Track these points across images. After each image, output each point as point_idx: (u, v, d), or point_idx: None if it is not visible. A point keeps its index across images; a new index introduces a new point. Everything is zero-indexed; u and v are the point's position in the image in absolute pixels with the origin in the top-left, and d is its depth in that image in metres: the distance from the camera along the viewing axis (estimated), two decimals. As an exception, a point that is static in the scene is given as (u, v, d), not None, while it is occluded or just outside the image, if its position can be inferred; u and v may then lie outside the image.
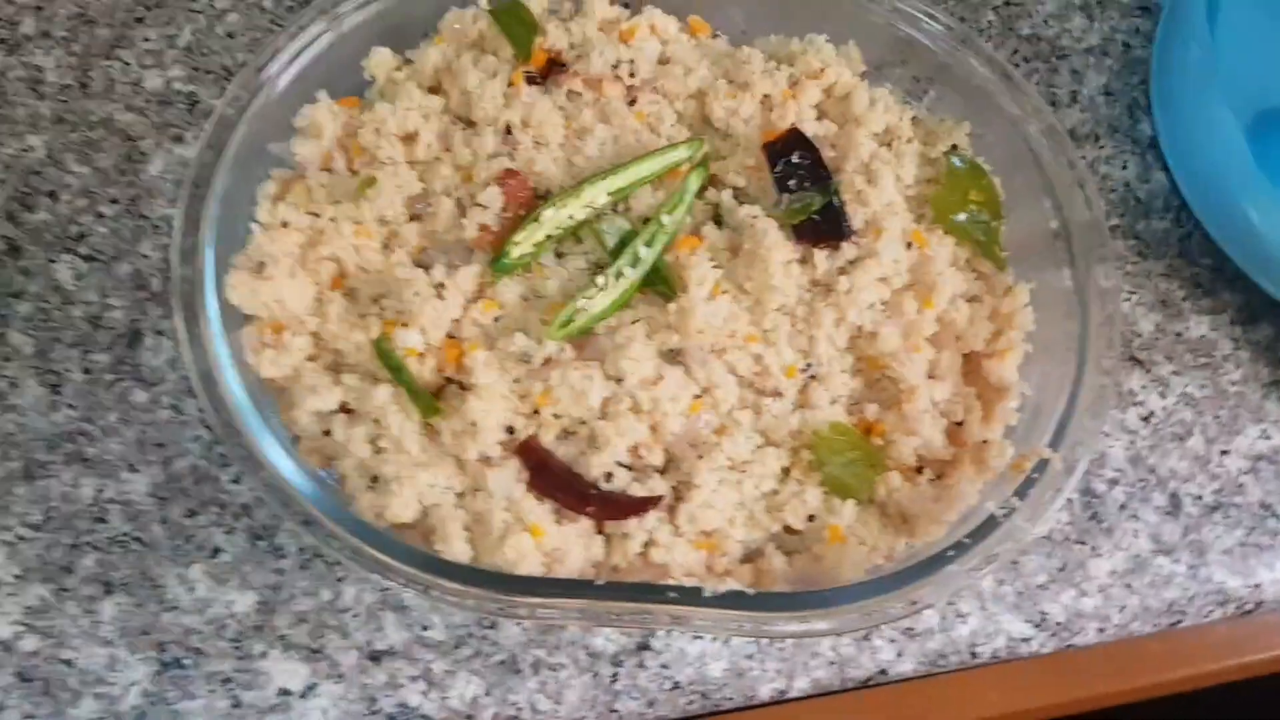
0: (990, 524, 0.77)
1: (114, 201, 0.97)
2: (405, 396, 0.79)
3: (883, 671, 0.87)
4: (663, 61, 0.92)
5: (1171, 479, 0.94)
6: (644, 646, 0.86)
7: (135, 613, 0.85)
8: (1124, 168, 1.05)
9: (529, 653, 0.86)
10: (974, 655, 0.88)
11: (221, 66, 1.02)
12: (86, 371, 0.91)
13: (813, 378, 0.83)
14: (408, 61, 0.91)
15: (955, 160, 0.88)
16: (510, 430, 0.80)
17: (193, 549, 0.87)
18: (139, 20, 1.04)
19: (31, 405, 0.90)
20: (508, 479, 0.78)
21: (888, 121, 0.90)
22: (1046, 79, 1.07)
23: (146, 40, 1.03)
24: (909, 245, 0.85)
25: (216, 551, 0.87)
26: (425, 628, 0.86)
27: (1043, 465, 0.78)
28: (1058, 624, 0.89)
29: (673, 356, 0.83)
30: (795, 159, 0.85)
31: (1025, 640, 0.89)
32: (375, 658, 0.85)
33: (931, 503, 0.80)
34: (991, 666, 0.91)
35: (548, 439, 0.80)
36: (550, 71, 0.90)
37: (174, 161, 0.98)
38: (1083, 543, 0.92)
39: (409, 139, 0.88)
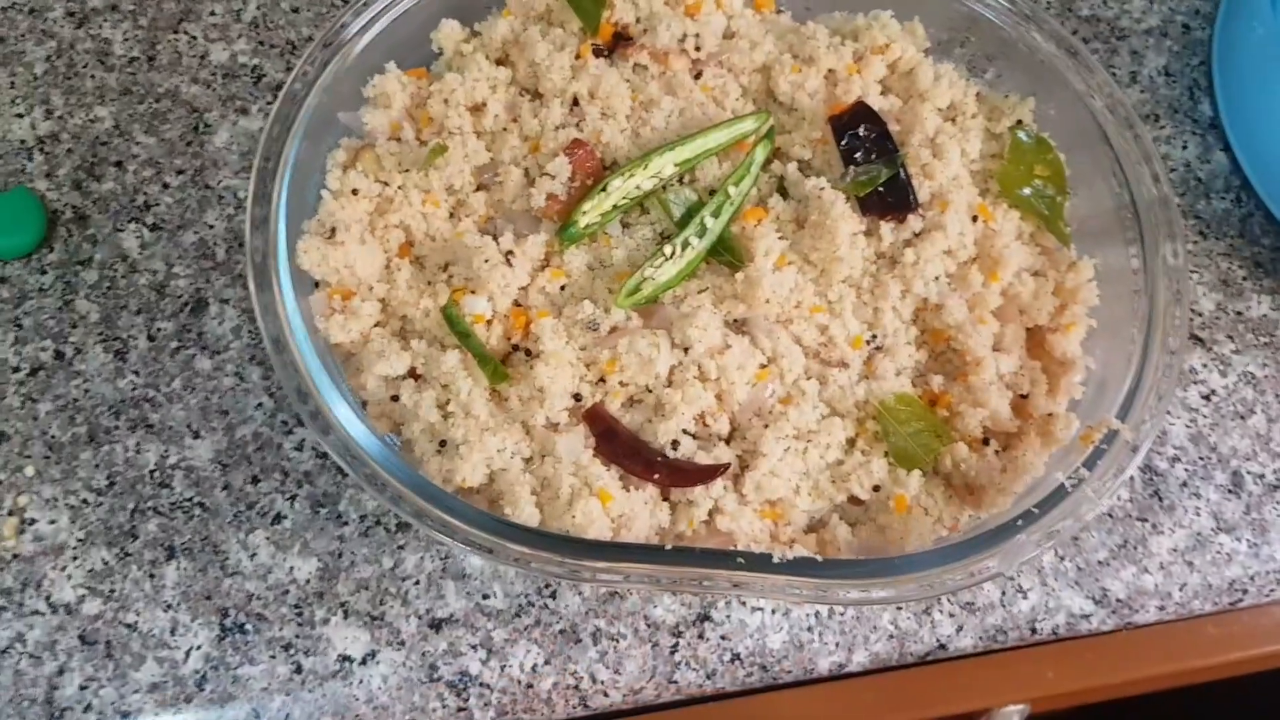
0: (1058, 495, 0.76)
1: (180, 172, 0.98)
2: (473, 362, 0.80)
3: (942, 646, 0.87)
4: (728, 36, 0.93)
5: (1233, 457, 0.94)
6: (704, 617, 0.86)
7: (198, 578, 0.86)
8: (1184, 148, 1.04)
9: (589, 622, 0.86)
10: (1034, 631, 0.88)
11: (286, 41, 1.03)
12: (151, 339, 0.92)
13: (878, 349, 0.84)
14: (475, 34, 0.92)
15: (1021, 135, 0.88)
16: (577, 397, 0.80)
17: (255, 515, 0.87)
18: (203, -5, 1.05)
19: (97, 371, 0.91)
20: (575, 444, 0.79)
21: (952, 97, 0.90)
22: (1106, 59, 1.07)
23: (212, 14, 1.04)
24: (974, 219, 0.85)
25: (279, 518, 0.87)
26: (486, 596, 0.86)
27: (1110, 438, 0.78)
28: (1118, 601, 0.89)
29: (739, 326, 0.83)
30: (861, 132, 0.85)
31: (1085, 617, 0.88)
32: (436, 625, 0.86)
33: (998, 474, 0.80)
34: (1048, 645, 0.90)
35: (614, 406, 0.81)
36: (617, 45, 0.91)
37: (239, 133, 0.99)
38: (1144, 519, 0.91)
39: (477, 109, 0.88)
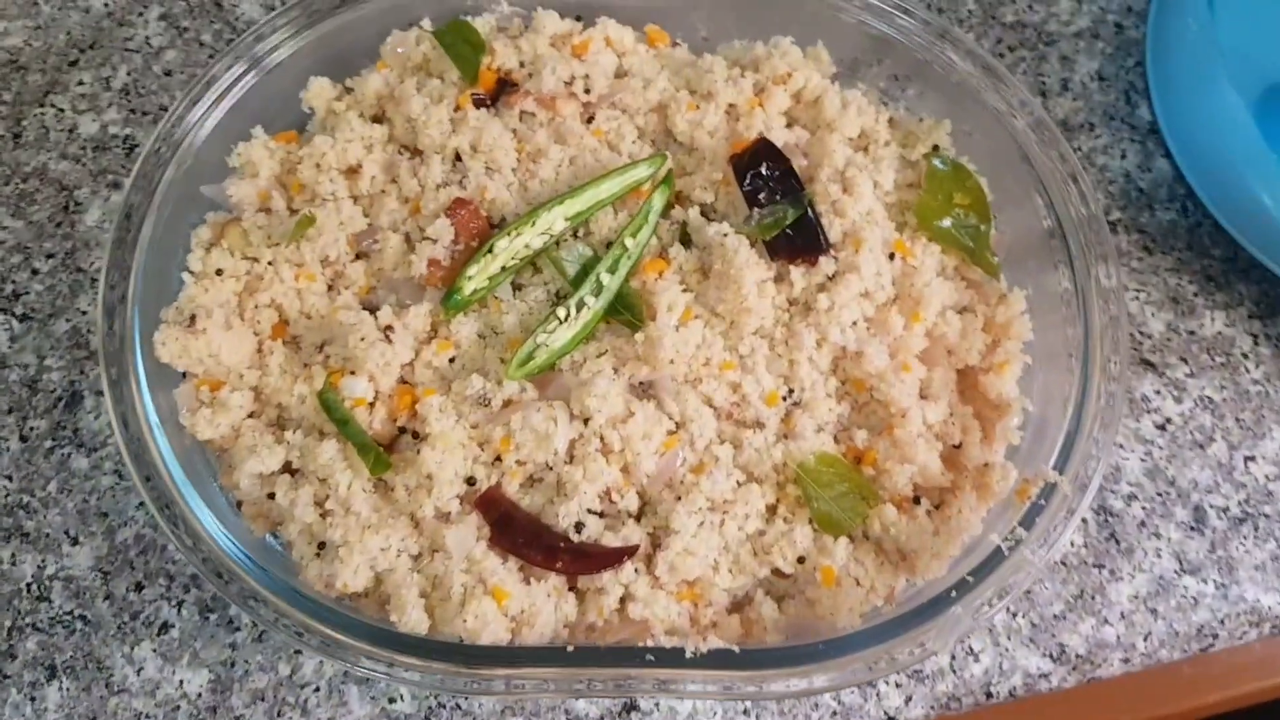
0: (997, 556, 0.70)
1: (50, 256, 0.91)
2: (354, 451, 0.73)
3: (891, 719, 0.80)
4: (620, 75, 0.86)
5: (1194, 491, 0.87)
6: (632, 708, 0.80)
7: (81, 698, 0.79)
8: (1123, 157, 0.98)
9: None
10: (989, 696, 0.81)
11: (159, 107, 0.97)
12: (24, 439, 0.86)
13: (795, 405, 0.77)
14: (348, 90, 0.86)
15: (937, 162, 0.81)
16: (471, 481, 0.74)
17: (140, 626, 0.81)
18: (73, 64, 0.99)
19: (-33, 479, 0.85)
20: (467, 536, 0.72)
21: (862, 125, 0.84)
22: (1034, 68, 1.01)
23: (81, 84, 0.98)
24: (891, 256, 0.79)
25: (165, 627, 0.81)
26: (392, 700, 0.79)
27: (1050, 490, 0.72)
28: (1078, 656, 0.82)
29: (643, 390, 0.76)
30: (764, 170, 0.79)
31: (1044, 676, 0.82)
32: (343, 733, 0.79)
33: (931, 535, 0.73)
34: (1007, 705, 0.83)
35: (512, 488, 0.74)
36: (500, 93, 0.84)
37: (111, 210, 0.93)
38: (1101, 566, 0.84)
39: (352, 172, 0.82)
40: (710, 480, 0.74)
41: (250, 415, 0.77)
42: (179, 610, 0.81)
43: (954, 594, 0.69)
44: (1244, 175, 0.89)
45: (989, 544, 0.71)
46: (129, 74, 0.98)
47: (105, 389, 0.72)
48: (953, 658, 0.81)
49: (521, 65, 0.85)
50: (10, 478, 0.85)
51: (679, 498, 0.74)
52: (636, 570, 0.73)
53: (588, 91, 0.84)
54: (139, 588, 0.82)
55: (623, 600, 0.73)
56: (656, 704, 0.80)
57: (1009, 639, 0.82)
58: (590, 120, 0.84)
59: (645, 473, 0.74)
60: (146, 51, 0.99)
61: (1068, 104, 1.00)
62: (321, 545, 0.72)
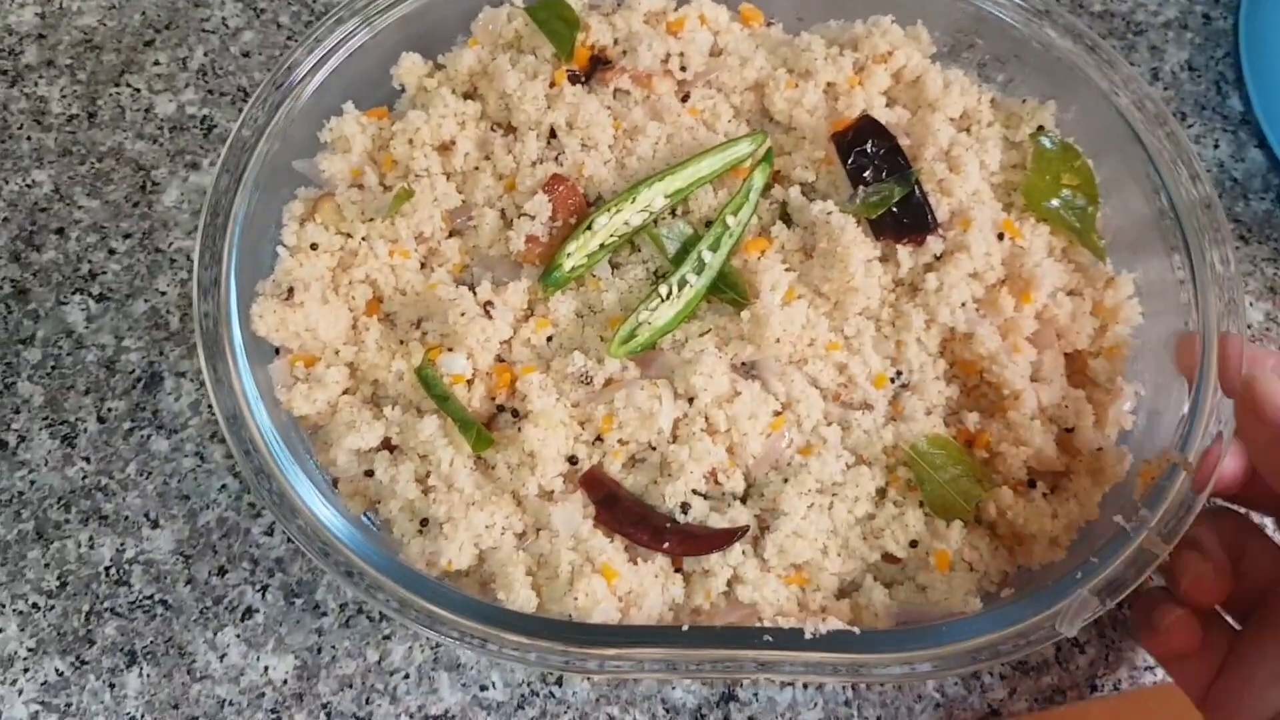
0: (1120, 541, 0.68)
1: (127, 236, 0.90)
2: (454, 428, 0.71)
3: (994, 712, 0.78)
4: (715, 53, 0.85)
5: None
6: (729, 698, 0.77)
7: (162, 685, 0.77)
8: (1215, 146, 0.96)
9: (600, 710, 0.77)
10: (1094, 689, 0.79)
11: (237, 88, 0.95)
12: (101, 420, 0.84)
13: (904, 387, 0.75)
14: (440, 67, 0.84)
15: (1044, 141, 0.80)
16: (573, 460, 0.72)
17: (223, 611, 0.79)
18: (148, 44, 0.97)
19: (43, 460, 0.83)
20: (573, 515, 0.70)
21: (965, 104, 0.82)
22: (1124, 57, 0.99)
23: (157, 64, 0.96)
24: (1000, 236, 0.77)
25: (249, 612, 0.79)
26: (484, 687, 0.77)
27: (1173, 473, 0.70)
28: (1187, 650, 0.80)
29: (748, 370, 0.75)
30: (869, 148, 0.77)
31: (1149, 669, 0.79)
32: (430, 722, 0.77)
33: (1048, 520, 0.71)
34: (1110, 699, 0.81)
35: (614, 468, 0.72)
36: (595, 69, 0.83)
37: (190, 190, 0.91)
38: (1209, 558, 0.82)
39: (445, 148, 0.80)
40: (819, 462, 0.72)
41: (345, 392, 0.75)
42: (263, 595, 0.79)
43: (1079, 575, 0.66)
44: (1343, 163, 0.88)
45: (1109, 528, 0.69)
46: (206, 55, 0.97)
47: (203, 365, 0.70)
48: (1058, 649, 0.79)
49: (616, 42, 0.83)
50: (89, 459, 0.83)
51: (786, 480, 0.72)
52: (744, 553, 0.71)
53: (683, 69, 0.83)
54: (222, 572, 0.80)
55: (730, 583, 0.71)
56: (755, 694, 0.77)
57: (1115, 630, 0.80)
58: (686, 98, 0.83)
59: (751, 453, 0.72)
60: (223, 32, 0.98)
61: (1158, 94, 0.98)
62: (424, 522, 0.71)
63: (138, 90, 0.95)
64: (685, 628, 0.66)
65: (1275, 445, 0.67)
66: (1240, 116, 0.97)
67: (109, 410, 0.84)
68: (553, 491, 0.71)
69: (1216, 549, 0.69)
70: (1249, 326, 0.90)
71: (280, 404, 0.73)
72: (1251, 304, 0.90)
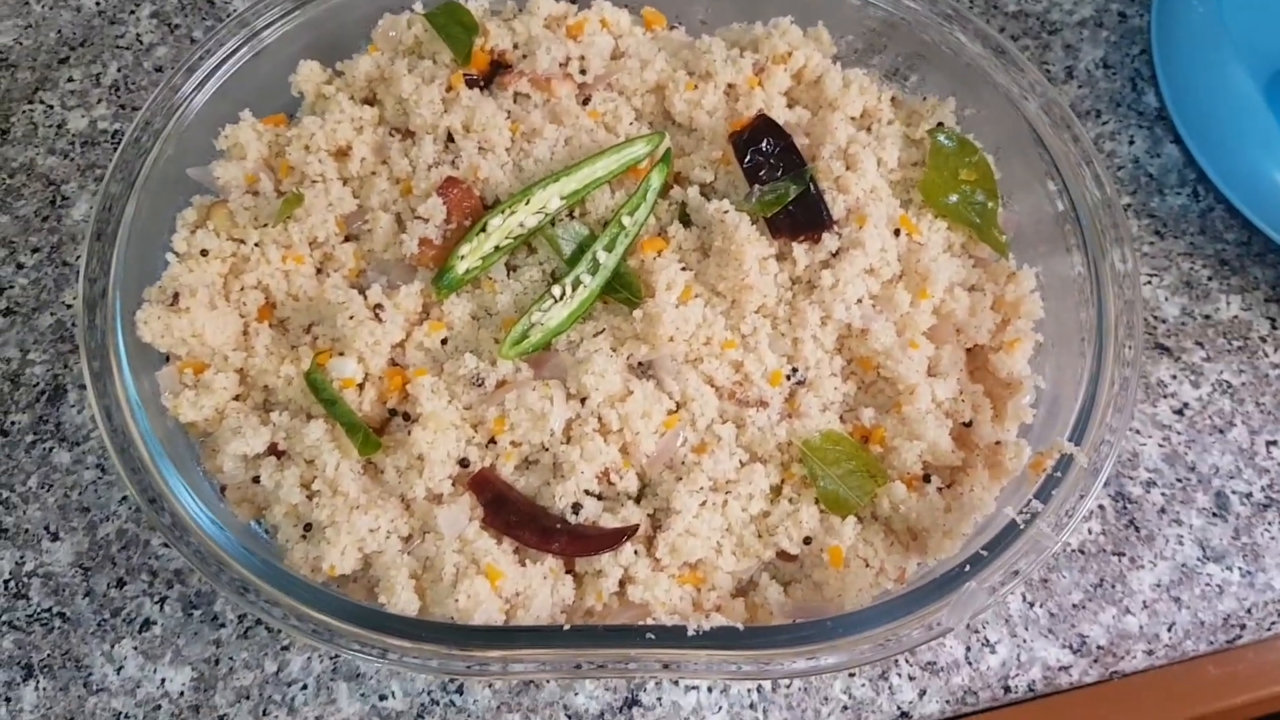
0: (1011, 533, 0.67)
1: (35, 250, 0.89)
2: (342, 433, 0.71)
3: (904, 715, 0.77)
4: (615, 56, 0.85)
5: (1214, 477, 0.84)
6: (632, 702, 0.76)
7: (59, 698, 0.76)
8: (1131, 143, 0.96)
9: (501, 717, 0.76)
10: (1007, 690, 0.78)
11: (149, 102, 0.95)
12: (4, 434, 0.83)
13: (800, 383, 0.74)
14: (339, 74, 0.84)
15: (941, 138, 0.79)
16: (464, 463, 0.71)
17: (121, 623, 0.78)
18: (63, 61, 0.97)
19: (-55, 475, 0.82)
20: (459, 516, 0.69)
21: (865, 103, 0.82)
22: (1038, 56, 0.99)
23: (71, 81, 0.96)
24: (897, 232, 0.77)
25: (147, 624, 0.78)
26: (383, 697, 0.76)
27: (1066, 464, 0.69)
28: (1099, 648, 0.78)
29: (642, 369, 0.74)
30: (765, 146, 0.77)
31: (1064, 668, 0.78)
32: (331, 734, 0.75)
33: (942, 514, 0.70)
34: (1027, 703, 0.80)
35: (507, 470, 0.71)
36: (495, 74, 0.83)
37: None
38: (1120, 554, 0.81)
39: (341, 154, 0.80)
40: (712, 460, 0.71)
41: (235, 399, 0.74)
42: (161, 606, 0.78)
43: (967, 569, 0.65)
44: (1256, 157, 0.88)
45: (1002, 521, 0.68)
46: (119, 70, 0.97)
47: (86, 377, 0.69)
48: (968, 649, 0.78)
49: (515, 47, 0.83)
50: (-10, 473, 0.82)
51: (679, 478, 0.71)
52: (636, 552, 0.70)
53: (583, 73, 0.82)
54: (120, 584, 0.79)
55: (622, 583, 0.70)
56: (659, 699, 0.76)
57: (1026, 629, 0.79)
58: (586, 102, 0.83)
59: (645, 453, 0.71)
60: (137, 48, 0.98)
61: (1073, 91, 0.98)
62: (308, 527, 0.70)
63: (51, 107, 0.95)
64: (566, 627, 0.65)
65: None
66: (1156, 112, 0.97)
67: (12, 424, 0.83)
68: (441, 494, 0.71)
69: None
70: (1164, 321, 0.89)
71: (166, 412, 0.72)
72: (1166, 299, 0.90)
